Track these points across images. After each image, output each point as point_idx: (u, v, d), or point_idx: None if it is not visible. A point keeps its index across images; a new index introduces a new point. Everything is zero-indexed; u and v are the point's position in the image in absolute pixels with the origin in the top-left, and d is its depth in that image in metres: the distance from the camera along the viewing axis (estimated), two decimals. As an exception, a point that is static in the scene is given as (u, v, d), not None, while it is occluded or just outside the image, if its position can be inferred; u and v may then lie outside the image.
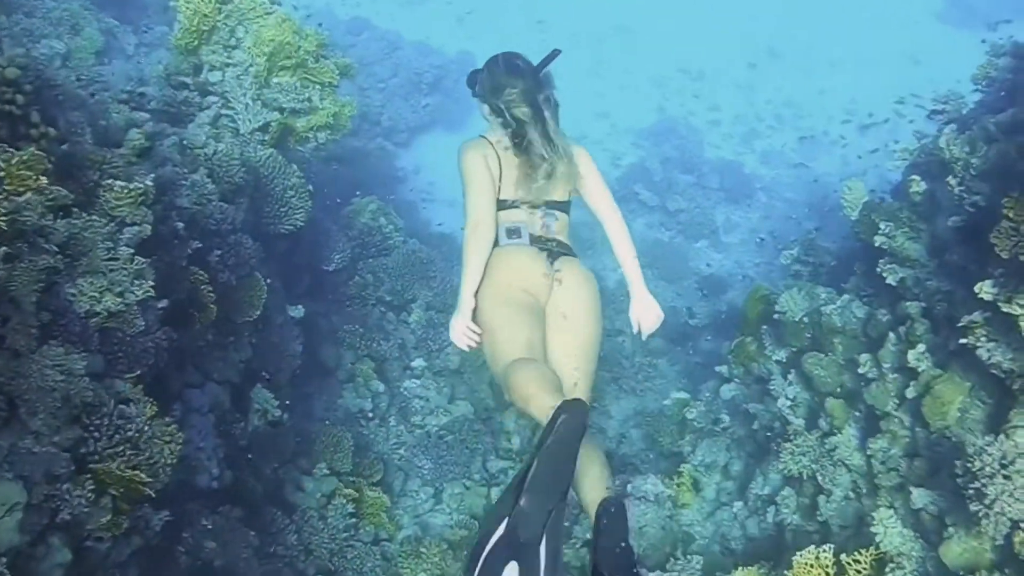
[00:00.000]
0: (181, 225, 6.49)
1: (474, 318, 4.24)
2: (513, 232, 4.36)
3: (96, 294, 5.43)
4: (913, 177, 7.88)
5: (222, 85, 8.91)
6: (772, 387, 8.89)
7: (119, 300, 5.50)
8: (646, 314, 4.41)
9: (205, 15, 8.68)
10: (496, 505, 3.36)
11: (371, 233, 10.95)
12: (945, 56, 20.61)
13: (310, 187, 8.94)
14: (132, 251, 5.59)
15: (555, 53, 4.46)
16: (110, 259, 5.52)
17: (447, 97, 17.64)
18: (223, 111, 8.88)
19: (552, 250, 4.40)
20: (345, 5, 20.32)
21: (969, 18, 22.89)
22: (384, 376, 10.11)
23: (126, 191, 5.73)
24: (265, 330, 7.94)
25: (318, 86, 9.13)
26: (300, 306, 8.55)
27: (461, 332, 4.22)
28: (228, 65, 8.91)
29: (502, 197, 4.42)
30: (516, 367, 3.80)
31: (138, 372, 5.61)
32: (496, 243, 4.35)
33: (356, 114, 9.55)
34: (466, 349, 4.27)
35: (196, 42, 8.78)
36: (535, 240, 4.39)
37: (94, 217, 5.49)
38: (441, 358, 10.36)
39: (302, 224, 8.85)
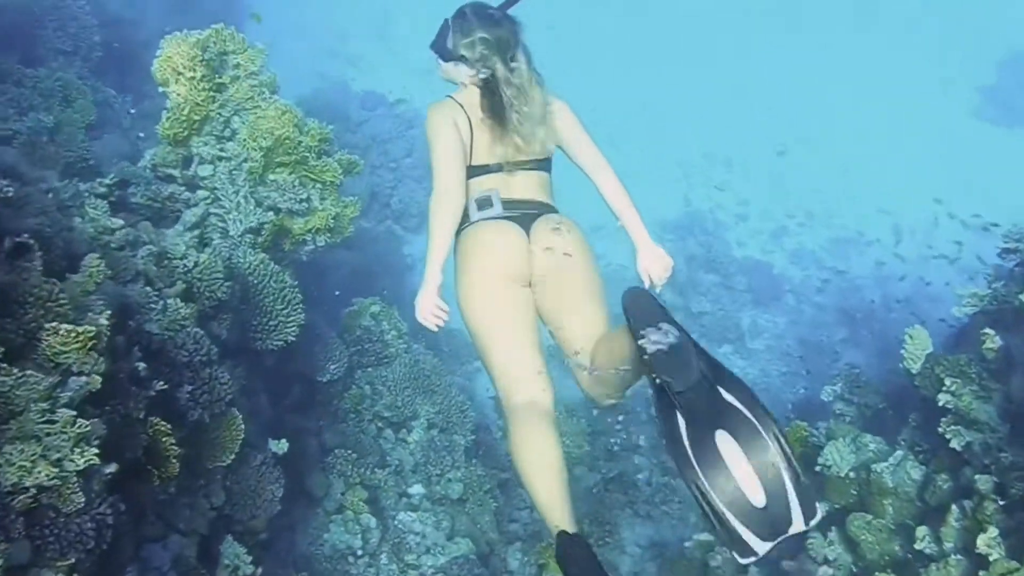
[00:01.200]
0: (143, 366, 5.53)
1: (459, 315, 4.02)
2: (484, 203, 4.12)
3: (26, 464, 4.48)
4: (986, 331, 6.96)
5: (213, 180, 8.06)
6: (810, 545, 7.91)
7: (55, 471, 4.54)
8: (655, 264, 4.14)
9: (197, 104, 7.85)
10: (657, 421, 3.26)
11: (371, 339, 10.01)
12: (982, 155, 19.86)
13: (301, 296, 8.04)
14: (74, 413, 4.64)
15: None
16: (46, 421, 4.59)
17: (465, 179, 16.70)
18: (212, 209, 8.02)
19: (526, 213, 4.14)
20: (360, 78, 19.53)
21: (1006, 115, 22.13)
22: (377, 504, 9.10)
23: (73, 336, 4.81)
24: (242, 470, 6.97)
25: (319, 185, 8.27)
26: (284, 440, 7.57)
27: (427, 310, 3.88)
28: (220, 158, 8.07)
29: (474, 163, 4.17)
30: (514, 409, 3.73)
31: (72, 559, 4.66)
32: (467, 218, 4.11)
33: (358, 215, 8.62)
34: (434, 329, 3.96)
35: (186, 132, 7.94)
36: (508, 205, 4.14)
37: (29, 372, 4.56)
38: (442, 485, 9.36)
39: (293, 339, 7.94)
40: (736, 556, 3.01)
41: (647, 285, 4.13)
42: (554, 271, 4.03)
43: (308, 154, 8.12)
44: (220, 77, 8.01)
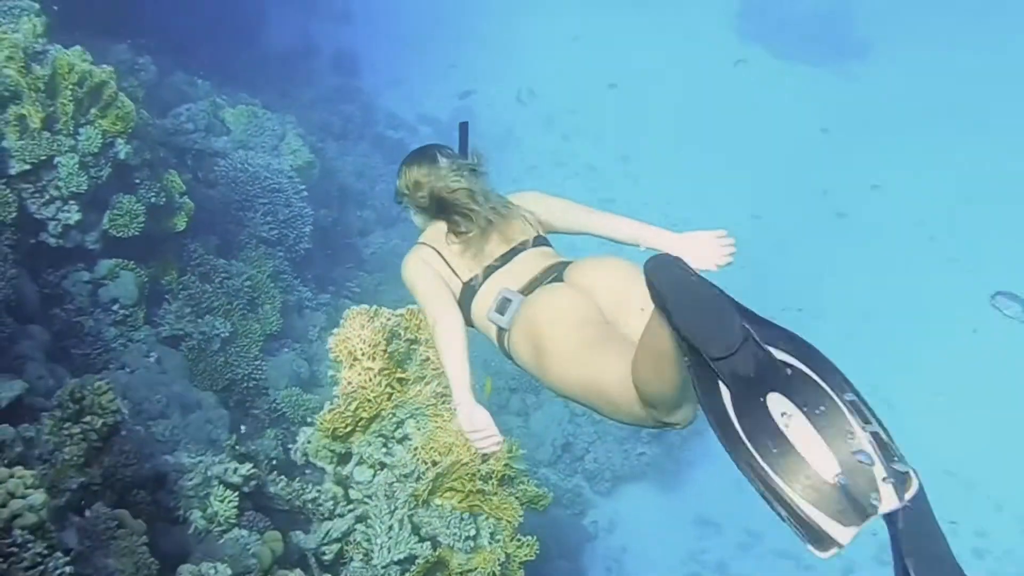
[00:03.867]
0: None
1: (553, 386, 3.44)
2: (503, 304, 3.62)
3: None
4: None
5: (369, 488, 6.62)
6: None
7: None
8: (703, 247, 3.64)
9: (369, 400, 6.44)
10: (698, 397, 2.53)
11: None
12: None
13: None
14: None
15: (464, 125, 4.13)
16: None
17: (667, 451, 14.80)
18: (360, 525, 6.55)
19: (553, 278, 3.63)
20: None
21: None
22: None
23: None
24: None
25: (492, 519, 6.67)
26: None
27: (473, 436, 3.33)
28: (384, 465, 6.61)
29: (467, 279, 3.78)
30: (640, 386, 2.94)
31: None
32: (503, 331, 3.60)
33: (533, 557, 6.92)
34: (495, 447, 3.33)
35: (350, 428, 6.53)
36: (527, 288, 3.63)
37: None
38: None
39: None
40: (813, 550, 2.29)
41: (708, 270, 3.59)
42: (617, 297, 3.44)
43: (487, 484, 6.56)
44: (403, 371, 6.59)
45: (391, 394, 6.52)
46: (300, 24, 20.77)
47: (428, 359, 6.65)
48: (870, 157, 24.02)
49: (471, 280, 3.79)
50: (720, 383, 2.52)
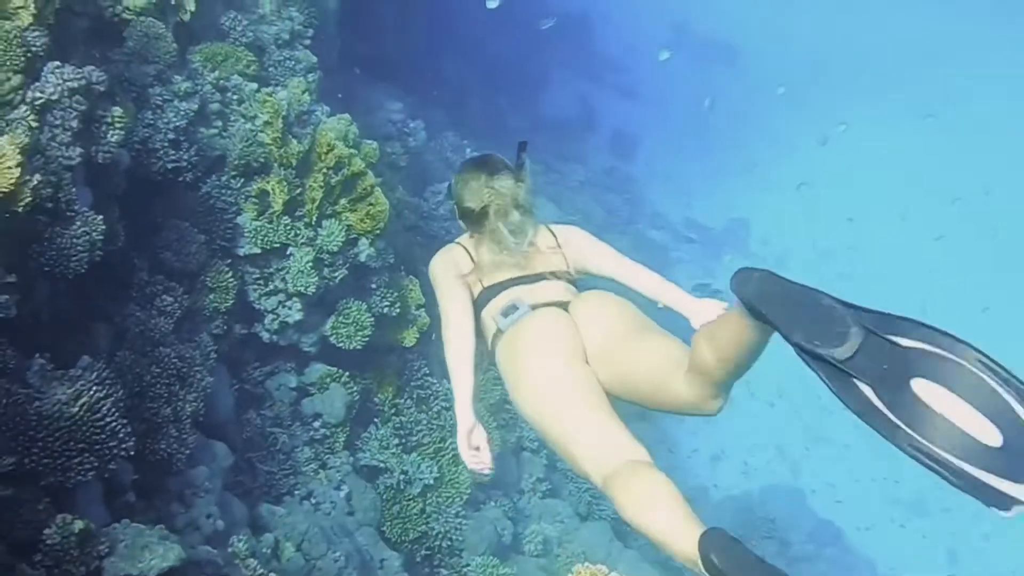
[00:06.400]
0: None
1: (525, 420, 3.59)
2: (509, 309, 3.70)
3: None
4: None
5: None
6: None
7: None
8: (706, 314, 3.49)
9: None
10: (840, 399, 2.49)
11: None
12: None
13: None
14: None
15: (522, 145, 3.99)
16: None
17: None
18: None
19: (560, 304, 3.73)
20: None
21: None
22: None
23: None
24: None
25: None
26: None
27: (466, 455, 3.46)
28: None
29: (488, 284, 3.84)
30: (614, 474, 3.00)
31: None
32: (499, 334, 3.69)
33: None
34: (487, 472, 3.44)
35: None
36: (537, 306, 3.70)
37: None
38: None
39: None
40: (996, 511, 2.27)
41: None
42: (608, 335, 3.52)
43: None
44: None
45: None
46: (582, 91, 19.59)
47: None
48: None
49: (493, 285, 3.82)
50: (856, 381, 2.47)
